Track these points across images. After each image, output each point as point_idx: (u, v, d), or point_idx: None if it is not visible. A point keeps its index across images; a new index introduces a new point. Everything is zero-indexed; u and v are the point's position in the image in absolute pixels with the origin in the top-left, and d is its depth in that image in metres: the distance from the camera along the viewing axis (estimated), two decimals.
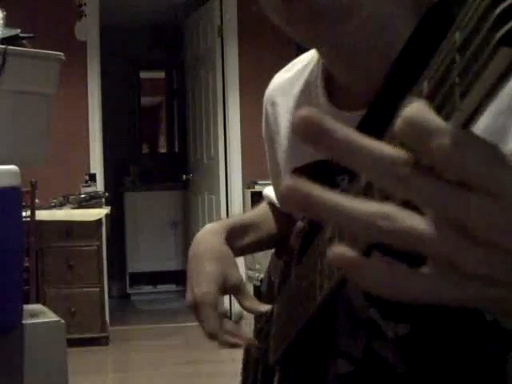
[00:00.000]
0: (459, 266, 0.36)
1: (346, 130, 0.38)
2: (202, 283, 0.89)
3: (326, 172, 0.73)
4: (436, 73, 0.40)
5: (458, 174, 0.35)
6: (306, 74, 0.86)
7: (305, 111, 0.37)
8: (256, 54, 5.61)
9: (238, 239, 0.96)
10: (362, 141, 0.38)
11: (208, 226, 0.97)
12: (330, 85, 0.79)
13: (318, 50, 0.78)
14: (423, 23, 0.70)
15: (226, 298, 0.95)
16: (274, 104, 0.93)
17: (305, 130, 0.37)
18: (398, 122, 0.36)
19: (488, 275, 0.36)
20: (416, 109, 0.36)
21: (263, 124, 0.97)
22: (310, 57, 0.88)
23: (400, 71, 0.69)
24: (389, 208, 0.36)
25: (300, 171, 0.82)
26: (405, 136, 0.36)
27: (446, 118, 0.37)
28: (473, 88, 0.36)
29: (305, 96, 0.85)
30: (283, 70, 0.94)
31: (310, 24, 0.68)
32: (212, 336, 0.88)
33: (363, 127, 0.71)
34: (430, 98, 0.39)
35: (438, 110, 0.38)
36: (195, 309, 0.89)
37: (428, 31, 0.69)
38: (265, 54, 5.58)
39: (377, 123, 0.66)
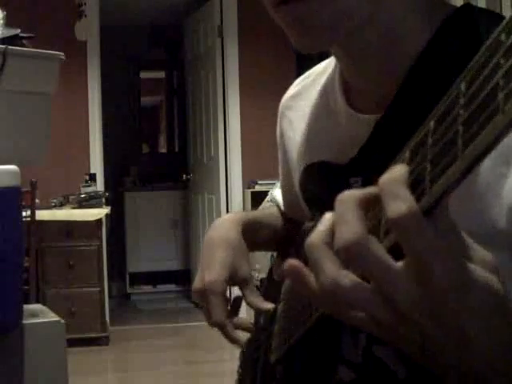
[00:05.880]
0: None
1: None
2: (212, 270, 0.89)
3: (340, 172, 0.73)
4: (441, 122, 0.42)
5: (401, 242, 0.43)
6: (324, 78, 0.87)
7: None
8: (256, 53, 5.61)
9: (253, 234, 0.96)
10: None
11: (226, 216, 0.98)
12: (347, 88, 0.80)
13: (334, 54, 0.79)
14: (438, 34, 0.70)
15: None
16: (290, 109, 0.95)
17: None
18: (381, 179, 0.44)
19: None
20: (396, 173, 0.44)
21: (277, 130, 0.99)
22: (327, 62, 0.89)
23: (416, 78, 0.70)
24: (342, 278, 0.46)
25: (312, 169, 0.83)
26: (380, 191, 0.44)
27: (448, 165, 0.40)
28: (476, 140, 0.38)
29: (322, 99, 0.86)
30: (302, 76, 0.96)
31: (325, 36, 0.69)
32: (217, 325, 0.87)
33: (379, 129, 0.72)
34: (435, 144, 0.42)
35: (441, 156, 0.41)
36: (202, 295, 0.88)
37: (443, 42, 0.70)
38: (265, 54, 5.58)
39: (392, 126, 0.68)
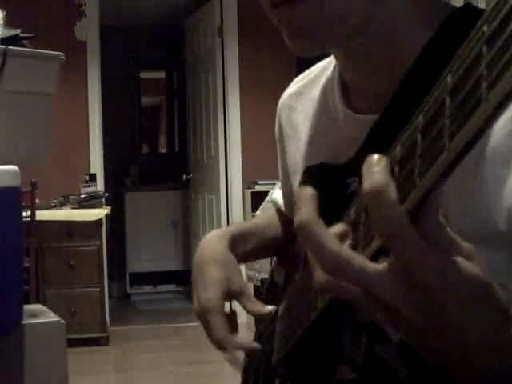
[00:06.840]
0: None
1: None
2: (206, 289, 0.89)
3: (337, 173, 0.73)
4: (429, 115, 0.43)
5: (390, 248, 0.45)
6: (324, 78, 0.87)
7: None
8: (256, 54, 5.61)
9: (241, 246, 0.96)
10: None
11: (211, 233, 0.98)
12: (346, 88, 0.80)
13: (333, 54, 0.79)
14: (438, 34, 0.70)
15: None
16: (291, 108, 0.94)
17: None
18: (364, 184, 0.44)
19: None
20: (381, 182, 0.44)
21: (276, 128, 0.99)
22: (328, 61, 0.89)
23: (414, 79, 0.70)
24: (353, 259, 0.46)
25: (311, 171, 0.82)
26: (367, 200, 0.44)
27: (436, 158, 0.41)
28: (461, 130, 0.39)
29: (322, 99, 0.86)
30: (302, 74, 0.95)
31: (317, 39, 0.69)
32: (218, 343, 0.86)
33: (376, 130, 0.72)
34: (424, 137, 0.43)
35: (429, 149, 0.42)
36: (201, 316, 0.88)
37: (442, 42, 0.69)
38: (265, 54, 5.58)
39: (389, 127, 0.68)
